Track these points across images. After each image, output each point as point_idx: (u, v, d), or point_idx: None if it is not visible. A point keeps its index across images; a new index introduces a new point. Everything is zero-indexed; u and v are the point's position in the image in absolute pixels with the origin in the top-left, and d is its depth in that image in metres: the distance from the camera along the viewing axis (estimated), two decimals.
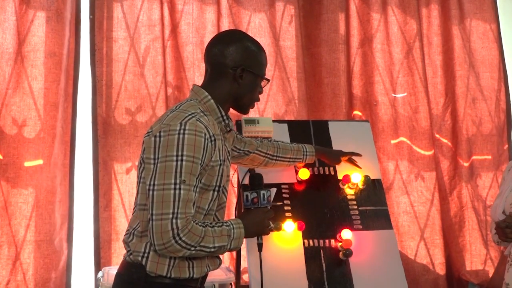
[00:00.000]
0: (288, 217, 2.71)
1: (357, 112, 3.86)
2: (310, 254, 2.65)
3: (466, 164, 4.01)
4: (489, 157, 4.09)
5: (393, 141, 3.91)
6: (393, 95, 3.94)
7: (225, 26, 3.65)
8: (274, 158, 2.57)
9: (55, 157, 3.35)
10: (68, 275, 3.34)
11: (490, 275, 3.98)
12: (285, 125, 2.94)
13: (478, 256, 4.01)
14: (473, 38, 4.13)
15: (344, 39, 3.88)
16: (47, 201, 3.31)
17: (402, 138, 3.93)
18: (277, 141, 2.62)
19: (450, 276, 3.96)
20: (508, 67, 4.24)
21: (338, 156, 2.81)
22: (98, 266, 3.36)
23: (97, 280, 3.09)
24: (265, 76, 2.15)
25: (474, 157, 4.05)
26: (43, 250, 3.28)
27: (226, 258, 3.55)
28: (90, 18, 3.53)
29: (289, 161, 2.64)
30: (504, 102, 4.15)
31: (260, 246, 2.20)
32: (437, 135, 4.03)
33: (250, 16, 3.74)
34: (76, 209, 3.42)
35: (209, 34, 3.62)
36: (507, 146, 4.12)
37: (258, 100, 2.17)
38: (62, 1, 3.41)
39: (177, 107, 2.00)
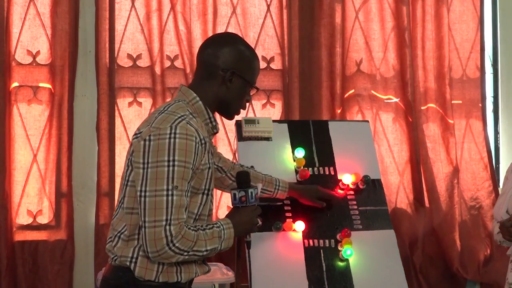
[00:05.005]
0: (288, 217, 2.69)
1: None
2: (310, 254, 2.63)
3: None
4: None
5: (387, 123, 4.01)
6: (386, 101, 4.00)
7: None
8: None
9: (58, 163, 3.51)
10: (70, 273, 3.47)
11: (488, 273, 3.95)
12: (285, 125, 2.92)
13: (476, 255, 3.99)
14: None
15: (341, 42, 3.93)
16: (50, 202, 3.46)
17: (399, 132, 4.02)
18: (248, 167, 2.51)
19: (449, 275, 3.95)
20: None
21: (313, 194, 2.62)
22: (99, 266, 3.40)
23: (96, 281, 3.11)
24: (255, 85, 2.12)
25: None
26: (49, 248, 3.43)
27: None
28: (95, 30, 3.61)
29: None
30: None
31: (248, 244, 2.18)
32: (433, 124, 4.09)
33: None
34: (77, 210, 3.56)
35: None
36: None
37: (244, 108, 2.14)
38: (60, 17, 3.53)
39: (165, 108, 1.97)
